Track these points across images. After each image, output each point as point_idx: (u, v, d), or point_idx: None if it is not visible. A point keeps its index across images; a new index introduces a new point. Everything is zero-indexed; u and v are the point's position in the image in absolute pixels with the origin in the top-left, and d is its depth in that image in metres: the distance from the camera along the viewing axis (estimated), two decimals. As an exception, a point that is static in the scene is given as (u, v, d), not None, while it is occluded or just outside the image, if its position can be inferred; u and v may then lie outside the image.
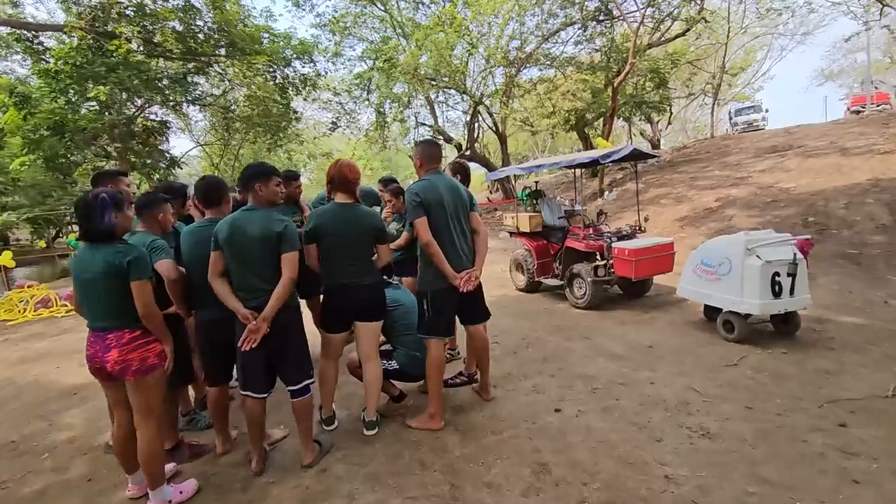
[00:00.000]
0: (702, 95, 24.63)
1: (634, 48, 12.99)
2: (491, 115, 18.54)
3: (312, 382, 2.73)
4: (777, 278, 3.95)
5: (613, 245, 5.43)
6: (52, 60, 12.07)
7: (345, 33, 17.90)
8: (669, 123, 22.97)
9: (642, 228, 6.00)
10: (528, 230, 6.60)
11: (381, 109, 18.36)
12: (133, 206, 2.91)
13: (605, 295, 5.71)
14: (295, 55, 16.09)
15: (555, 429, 2.94)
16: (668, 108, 17.50)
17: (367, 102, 18.89)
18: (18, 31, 12.27)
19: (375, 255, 3.05)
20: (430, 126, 19.67)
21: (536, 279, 6.54)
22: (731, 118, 24.96)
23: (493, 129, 19.58)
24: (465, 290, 2.94)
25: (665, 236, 8.70)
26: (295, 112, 17.44)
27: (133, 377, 2.31)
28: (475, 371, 3.62)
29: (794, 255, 3.96)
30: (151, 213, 2.87)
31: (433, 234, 2.89)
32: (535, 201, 7.14)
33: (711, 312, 4.74)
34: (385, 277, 3.44)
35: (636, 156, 5.57)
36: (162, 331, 2.43)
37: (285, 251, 2.55)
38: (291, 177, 4.18)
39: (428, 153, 3.08)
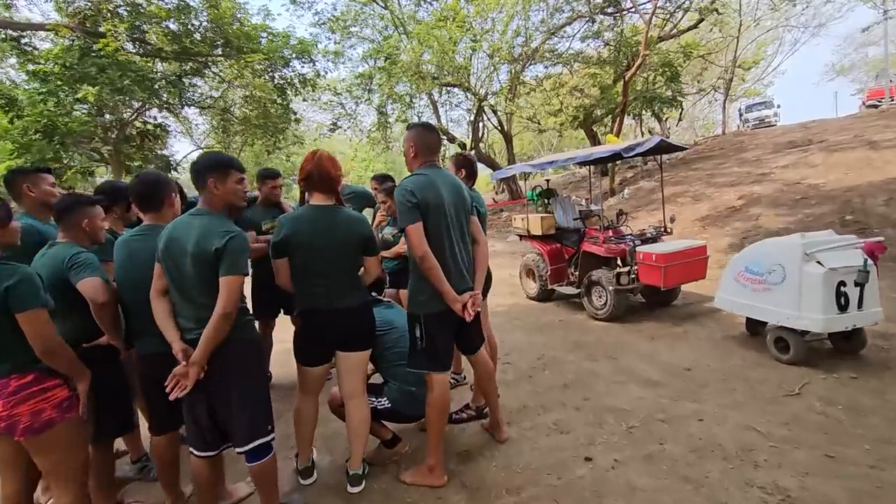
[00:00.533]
0: (712, 91, 23.93)
1: (646, 40, 12.35)
2: (496, 113, 17.94)
3: (272, 439, 2.12)
4: (843, 289, 3.32)
5: (638, 249, 4.81)
6: (41, 62, 11.64)
7: (345, 32, 17.39)
8: (681, 120, 22.25)
9: (668, 230, 5.38)
10: (539, 233, 5.99)
11: (383, 110, 17.83)
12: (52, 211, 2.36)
13: (627, 303, 5.09)
14: (294, 55, 15.61)
15: (587, 487, 2.33)
16: (680, 104, 16.79)
17: (368, 102, 18.38)
18: (4, 32, 11.84)
19: (362, 270, 2.46)
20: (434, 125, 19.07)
21: (550, 287, 5.93)
22: (741, 114, 24.23)
23: (499, 128, 18.96)
24: (468, 317, 2.34)
25: (689, 238, 8.09)
26: (294, 113, 16.95)
27: (24, 436, 1.73)
28: (485, 404, 3.02)
29: (865, 261, 3.33)
30: (72, 220, 2.30)
31: (430, 245, 2.30)
32: (546, 201, 6.53)
33: (755, 326, 4.11)
34: (374, 294, 2.86)
35: (663, 149, 4.96)
36: (73, 367, 1.86)
37: (223, 274, 1.91)
38: (268, 175, 3.61)
39: (424, 141, 2.47)
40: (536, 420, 3.04)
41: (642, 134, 22.30)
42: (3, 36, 11.99)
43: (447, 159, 3.13)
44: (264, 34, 14.96)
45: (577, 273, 5.64)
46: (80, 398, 1.95)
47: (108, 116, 13.96)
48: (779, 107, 22.74)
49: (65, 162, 13.82)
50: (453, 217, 2.42)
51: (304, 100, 17.39)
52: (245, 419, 2.01)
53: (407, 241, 2.32)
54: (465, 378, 3.71)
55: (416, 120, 18.65)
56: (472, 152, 18.03)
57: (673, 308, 5.33)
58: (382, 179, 3.96)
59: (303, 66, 16.18)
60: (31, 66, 11.90)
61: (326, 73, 17.69)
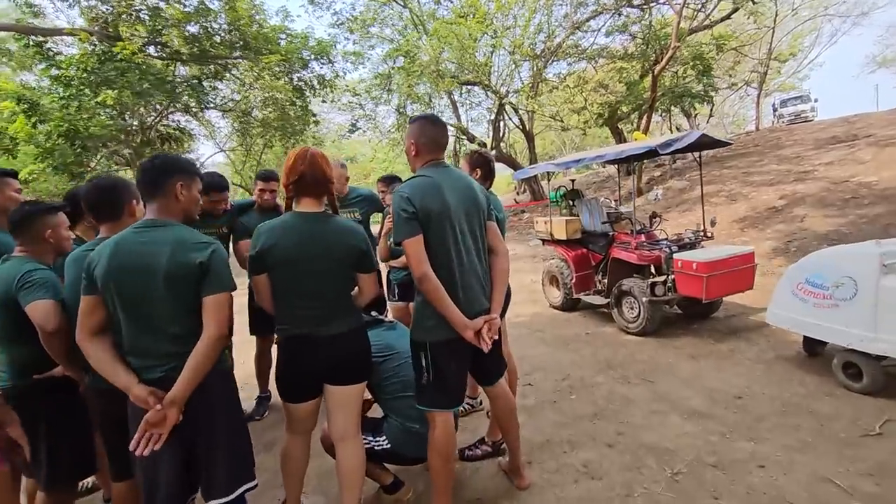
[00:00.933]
0: (744, 86, 22.88)
1: (677, 32, 11.71)
2: (517, 111, 17.45)
3: (253, 487, 1.77)
4: (930, 307, 2.80)
5: (675, 256, 4.32)
6: (63, 67, 11.75)
7: (364, 32, 17.20)
8: (711, 116, 21.33)
9: (709, 234, 4.86)
10: (564, 237, 5.54)
11: (402, 110, 17.58)
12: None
13: (662, 316, 4.60)
14: (312, 56, 15.50)
15: (627, 557, 1.90)
16: (711, 99, 15.99)
17: (387, 103, 18.15)
18: (27, 37, 11.97)
19: (356, 290, 2.09)
20: (453, 125, 18.75)
21: (575, 296, 5.47)
22: (775, 109, 23.11)
23: (520, 127, 18.48)
24: (485, 347, 1.94)
25: (728, 241, 7.50)
26: (314, 115, 16.82)
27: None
28: (502, 440, 2.61)
29: (959, 274, 2.79)
30: (31, 232, 2.00)
31: (434, 261, 1.91)
32: (571, 203, 6.07)
33: (815, 346, 3.59)
34: (373, 314, 2.49)
35: (704, 144, 4.46)
36: None
37: (211, 292, 1.63)
38: (266, 177, 3.29)
39: (428, 135, 2.08)
40: (562, 460, 2.62)
41: (670, 131, 21.45)
42: (27, 42, 12.14)
43: (461, 158, 2.74)
44: (283, 35, 14.90)
45: (605, 281, 5.17)
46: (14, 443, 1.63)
47: (129, 120, 14.07)
48: (816, 101, 21.60)
49: (87, 165, 14.00)
50: (463, 226, 2.02)
51: (324, 101, 17.28)
52: (228, 463, 1.68)
53: (406, 258, 1.94)
54: (480, 403, 3.30)
55: (435, 119, 18.37)
56: (493, 152, 17.60)
57: (714, 321, 4.80)
58: (389, 181, 3.60)
59: (321, 67, 16.07)
60: (54, 72, 12.02)
61: (345, 73, 17.57)
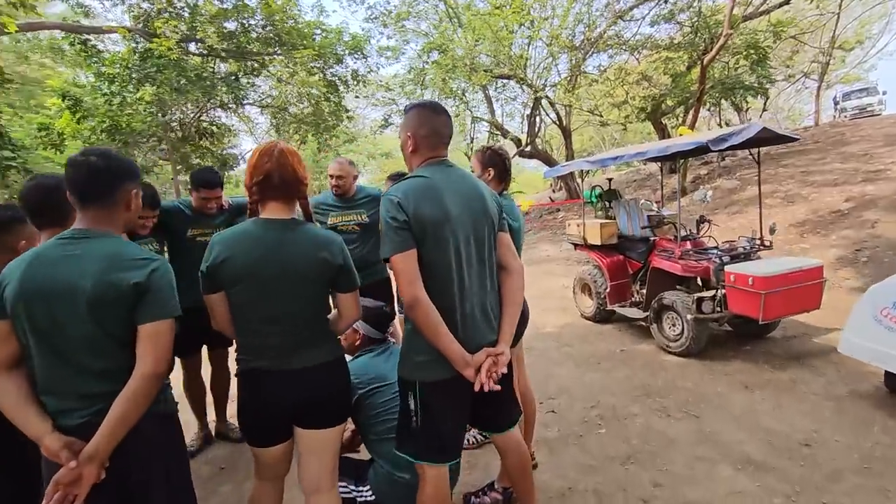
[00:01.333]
0: (802, 78, 21.23)
1: (729, 18, 10.80)
2: (553, 106, 16.77)
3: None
4: None
5: (727, 268, 3.77)
6: (107, 64, 12.08)
7: (398, 27, 16.96)
8: (765, 110, 19.89)
9: (767, 243, 4.26)
10: (598, 242, 5.04)
11: (436, 106, 17.26)
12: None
13: (709, 334, 4.06)
14: (347, 51, 15.44)
15: None
16: (765, 92, 14.82)
17: (421, 98, 17.87)
18: (72, 35, 12.35)
19: (334, 313, 1.75)
20: (487, 121, 18.27)
21: (609, 307, 4.97)
22: (836, 103, 21.31)
23: (557, 122, 17.78)
24: (486, 388, 1.55)
25: (787, 250, 6.75)
26: (347, 110, 16.75)
27: None
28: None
29: None
30: (6, 242, 1.74)
31: (429, 283, 1.54)
32: (607, 204, 5.56)
33: (900, 382, 3.00)
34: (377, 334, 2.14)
35: (765, 139, 3.88)
36: None
37: (147, 319, 1.34)
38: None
39: (428, 126, 1.69)
40: (586, 517, 2.20)
41: (719, 126, 20.19)
42: (73, 40, 12.53)
43: (473, 154, 2.33)
44: (318, 31, 14.90)
45: (643, 293, 4.65)
46: None
47: (168, 116, 14.36)
48: (884, 94, 19.79)
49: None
50: (469, 238, 1.64)
51: (357, 96, 17.22)
52: None
53: (395, 277, 1.57)
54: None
55: (469, 114, 17.93)
56: (528, 148, 17.04)
57: (770, 342, 4.21)
58: (398, 178, 3.22)
59: (355, 62, 16.01)
60: (101, 68, 12.36)
61: (379, 68, 17.42)
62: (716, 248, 4.29)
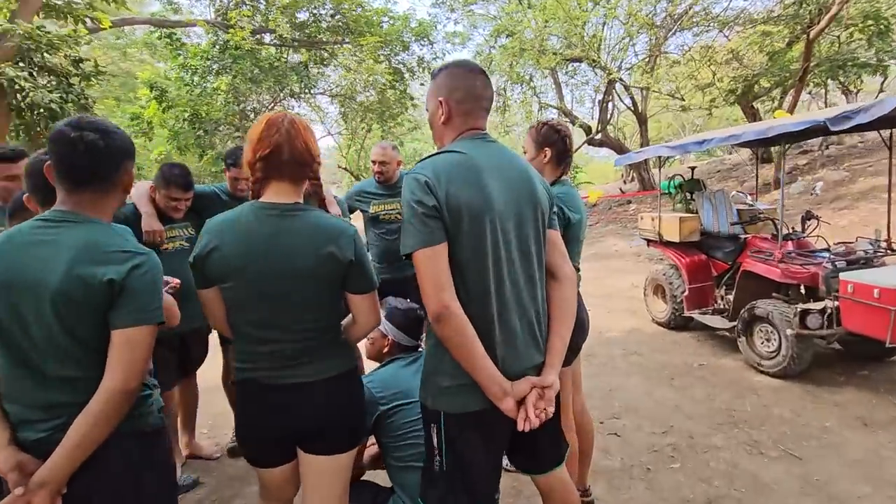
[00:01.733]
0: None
1: (845, -17, 9.35)
2: (628, 90, 15.64)
3: None
4: None
5: (842, 276, 3.10)
6: (190, 56, 12.78)
7: (466, 11, 16.56)
8: (882, 91, 17.31)
9: (895, 246, 3.49)
10: (676, 239, 4.43)
11: (502, 92, 16.72)
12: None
13: (814, 353, 3.39)
14: (413, 37, 15.35)
15: None
16: (884, 70, 12.81)
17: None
18: (160, 30, 13.15)
19: (348, 319, 1.47)
20: (556, 107, 17.42)
21: (686, 313, 4.37)
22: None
23: (631, 107, 16.59)
24: (526, 428, 1.20)
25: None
26: (412, 98, 16.67)
27: None
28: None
29: None
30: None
31: (463, 288, 1.23)
32: (688, 196, 4.91)
33: None
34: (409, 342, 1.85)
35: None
36: None
37: (122, 324, 1.13)
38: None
39: (464, 89, 1.34)
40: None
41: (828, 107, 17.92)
42: (160, 34, 13.36)
43: (528, 130, 1.94)
44: (385, 18, 14.93)
45: (729, 299, 4.02)
46: None
47: (243, 105, 15.01)
48: None
49: (212, 144, 15.30)
50: (514, 233, 1.29)
51: (422, 84, 17.08)
52: None
53: (419, 277, 1.25)
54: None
55: (536, 100, 17.18)
56: (598, 135, 16.07)
57: (892, 367, 3.46)
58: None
59: (421, 49, 15.90)
60: (184, 60, 13.12)
61: (445, 55, 17.13)
62: (827, 250, 3.58)
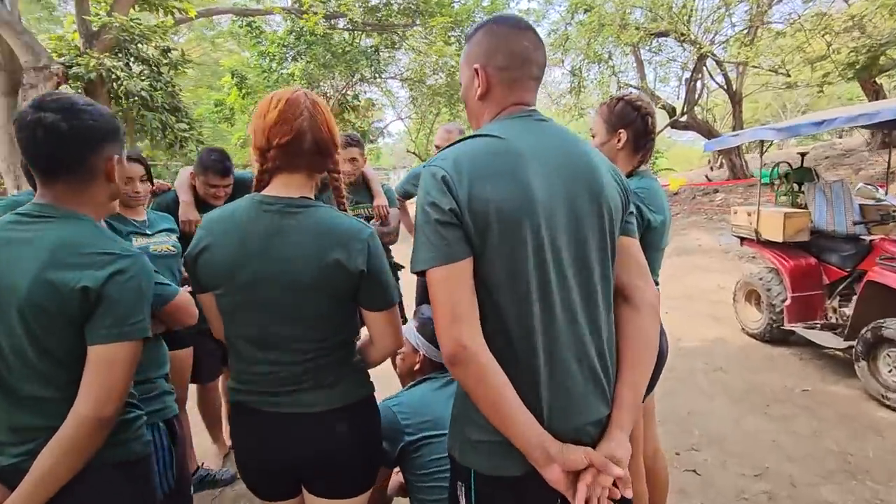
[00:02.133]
0: None
1: None
2: (721, 66, 14.09)
3: None
4: None
5: None
6: (268, 43, 13.25)
7: (540, -16, 15.73)
8: None
9: None
10: (779, 238, 3.77)
11: (578, 72, 15.77)
12: None
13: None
14: (485, 16, 14.86)
15: None
16: None
17: (561, 65, 16.47)
18: (241, 18, 13.71)
19: (364, 338, 1.21)
20: (637, 87, 16.16)
21: (786, 326, 3.72)
22: None
23: (724, 86, 14.97)
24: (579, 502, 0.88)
25: None
26: (481, 80, 16.26)
27: None
28: None
29: None
30: None
31: (492, 316, 0.92)
32: (796, 187, 4.18)
33: None
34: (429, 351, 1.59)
35: None
36: None
37: (98, 340, 0.97)
38: (347, 142, 2.50)
39: (505, 52, 1.00)
40: None
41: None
42: (240, 23, 13.95)
43: (598, 108, 1.54)
44: (457, -2, 14.62)
45: (845, 312, 3.35)
46: None
47: (316, 90, 15.39)
48: None
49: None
50: (564, 243, 0.95)
51: (491, 66, 16.60)
52: None
53: (432, 305, 0.95)
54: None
55: (615, 80, 15.99)
56: (684, 118, 14.70)
57: None
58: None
59: (492, 28, 15.39)
60: (262, 47, 13.64)
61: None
62: None
